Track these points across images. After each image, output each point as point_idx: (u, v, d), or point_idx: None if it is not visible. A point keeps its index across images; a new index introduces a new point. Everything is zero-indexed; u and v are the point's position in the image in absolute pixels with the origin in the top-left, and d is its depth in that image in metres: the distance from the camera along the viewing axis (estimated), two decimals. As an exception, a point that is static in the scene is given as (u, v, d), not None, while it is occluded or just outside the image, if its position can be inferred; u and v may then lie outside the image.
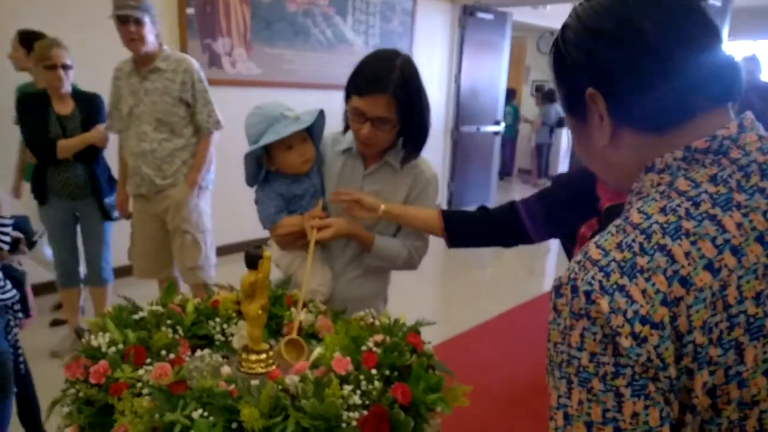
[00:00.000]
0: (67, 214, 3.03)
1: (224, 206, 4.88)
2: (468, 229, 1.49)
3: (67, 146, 2.88)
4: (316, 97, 5.32)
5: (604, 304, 0.62)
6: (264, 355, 1.19)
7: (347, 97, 1.46)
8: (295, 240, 1.54)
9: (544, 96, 8.81)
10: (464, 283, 4.80)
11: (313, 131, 1.52)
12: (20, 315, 1.70)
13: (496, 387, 2.96)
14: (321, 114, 1.52)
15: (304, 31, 5.00)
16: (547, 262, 5.68)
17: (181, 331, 1.23)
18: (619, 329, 0.61)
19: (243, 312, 1.19)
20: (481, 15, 6.65)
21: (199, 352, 1.14)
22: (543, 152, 8.96)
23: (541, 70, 9.91)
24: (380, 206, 1.49)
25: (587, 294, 0.64)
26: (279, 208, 1.54)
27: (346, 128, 1.53)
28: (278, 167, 1.51)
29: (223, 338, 1.29)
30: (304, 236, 1.51)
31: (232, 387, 1.01)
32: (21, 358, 1.79)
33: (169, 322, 1.24)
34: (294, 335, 1.26)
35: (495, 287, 4.81)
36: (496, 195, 7.72)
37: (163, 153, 2.75)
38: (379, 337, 1.18)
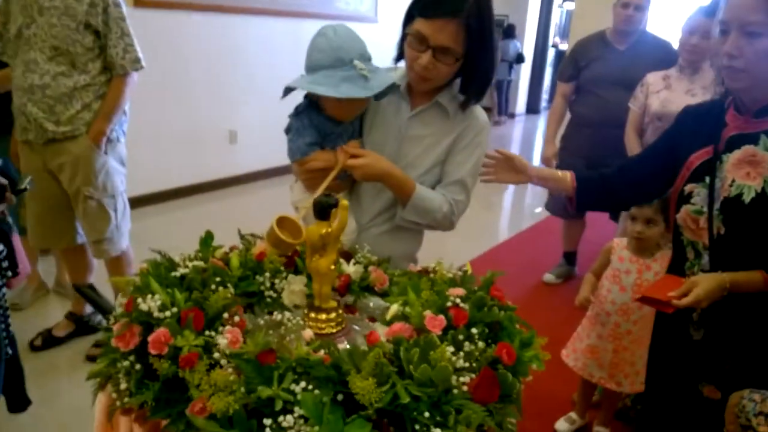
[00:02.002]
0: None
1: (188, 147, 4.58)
2: (595, 198, 1.46)
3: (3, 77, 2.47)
4: (284, 26, 4.96)
5: None
6: (334, 314, 1.07)
7: (408, 19, 1.28)
8: (326, 178, 1.33)
9: (503, 31, 8.65)
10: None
11: None
12: (8, 273, 1.49)
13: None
14: (392, 86, 1.33)
15: (267, -50, 4.60)
16: (504, 196, 5.70)
17: (231, 289, 1.09)
18: None
19: (310, 268, 1.06)
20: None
21: (277, 315, 1.01)
22: (503, 89, 8.89)
23: (502, 3, 9.68)
24: (535, 169, 1.44)
25: None
26: (313, 140, 1.36)
27: (399, 57, 1.36)
28: (317, 102, 1.34)
29: (275, 294, 1.16)
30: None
31: (323, 353, 0.89)
32: (9, 320, 1.58)
33: (217, 279, 1.09)
34: (286, 214, 1.12)
35: (461, 225, 4.79)
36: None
37: (57, 91, 2.15)
38: (458, 291, 1.08)
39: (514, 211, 5.46)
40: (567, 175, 1.45)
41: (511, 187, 5.99)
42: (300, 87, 1.29)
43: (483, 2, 1.24)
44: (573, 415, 2.25)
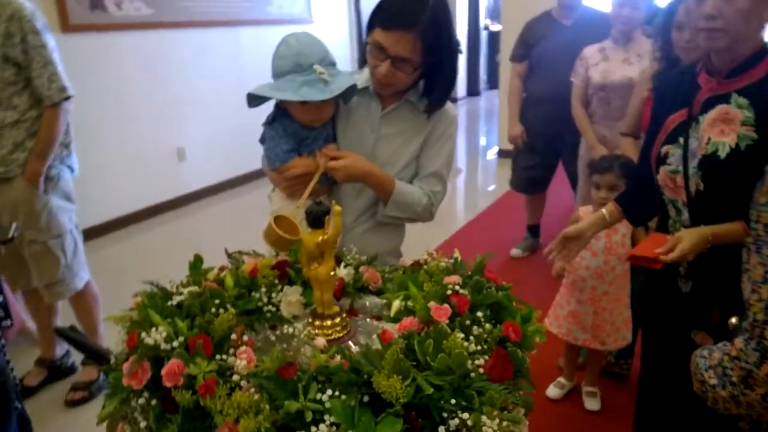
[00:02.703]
0: None
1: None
2: (643, 206, 1.48)
3: None
4: (220, 35, 4.86)
5: None
6: (338, 319, 1.08)
7: (369, 28, 1.30)
8: (306, 184, 1.36)
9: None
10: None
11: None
12: (7, 323, 1.43)
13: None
14: (352, 87, 1.35)
15: (194, -37, 4.51)
16: (457, 181, 5.78)
17: (232, 310, 1.08)
18: None
19: (310, 276, 1.06)
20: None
21: (288, 328, 1.01)
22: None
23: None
24: (589, 225, 1.46)
25: None
26: (290, 147, 1.37)
27: (363, 63, 1.38)
28: (286, 109, 1.35)
29: (274, 309, 1.16)
30: None
31: (339, 359, 0.91)
32: (13, 372, 1.52)
33: (216, 301, 1.08)
34: (281, 213, 1.16)
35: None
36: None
37: None
38: (454, 279, 1.10)
39: (469, 193, 5.56)
40: (610, 207, 1.49)
41: (463, 171, 6.10)
42: (261, 93, 1.30)
43: (439, 14, 1.26)
44: (561, 379, 2.34)
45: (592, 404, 2.25)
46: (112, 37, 3.98)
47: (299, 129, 1.36)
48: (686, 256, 1.18)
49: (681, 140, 1.27)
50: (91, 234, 3.93)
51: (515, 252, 3.67)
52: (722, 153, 1.20)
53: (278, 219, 1.11)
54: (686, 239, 1.19)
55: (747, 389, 0.79)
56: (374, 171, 1.37)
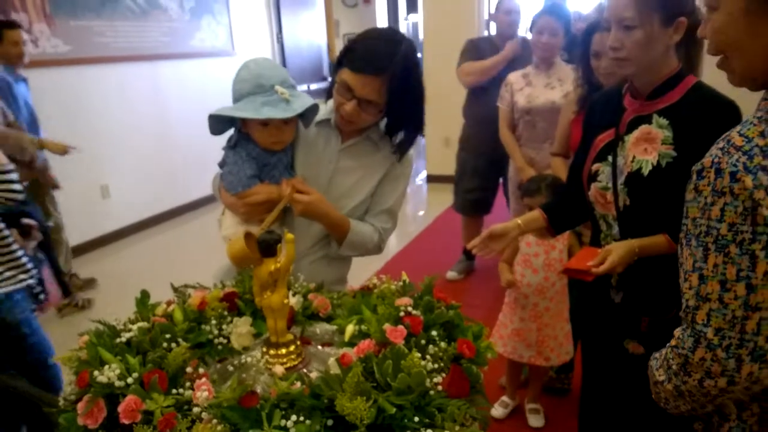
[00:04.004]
0: None
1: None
2: (565, 216, 1.55)
3: None
4: (139, 69, 4.77)
5: (748, 181, 0.73)
6: (293, 347, 1.08)
7: (337, 67, 1.33)
8: (265, 211, 1.35)
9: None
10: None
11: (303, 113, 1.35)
12: (41, 297, 1.65)
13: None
14: (314, 107, 1.37)
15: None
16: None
17: (184, 344, 1.06)
18: (761, 201, 0.72)
19: (263, 305, 1.06)
20: (293, -30, 6.49)
21: (246, 357, 1.00)
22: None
23: (349, 23, 9.96)
24: (515, 224, 1.49)
25: (732, 174, 0.74)
26: (254, 173, 1.37)
27: (329, 97, 1.41)
28: (248, 133, 1.36)
29: (225, 341, 1.14)
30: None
31: (299, 385, 0.91)
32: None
33: (167, 336, 1.06)
34: (250, 230, 1.15)
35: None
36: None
37: None
38: (405, 300, 1.13)
39: (401, 219, 5.61)
40: (536, 213, 1.56)
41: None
42: (223, 113, 1.31)
43: (409, 59, 1.30)
44: (505, 398, 2.38)
45: (536, 421, 2.30)
46: (29, 75, 3.80)
47: (261, 154, 1.36)
48: (616, 267, 1.27)
49: (610, 158, 1.37)
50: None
51: (451, 275, 3.75)
52: (645, 170, 1.29)
53: (247, 236, 1.10)
54: (615, 252, 1.27)
55: (685, 376, 0.82)
56: (332, 214, 1.39)
